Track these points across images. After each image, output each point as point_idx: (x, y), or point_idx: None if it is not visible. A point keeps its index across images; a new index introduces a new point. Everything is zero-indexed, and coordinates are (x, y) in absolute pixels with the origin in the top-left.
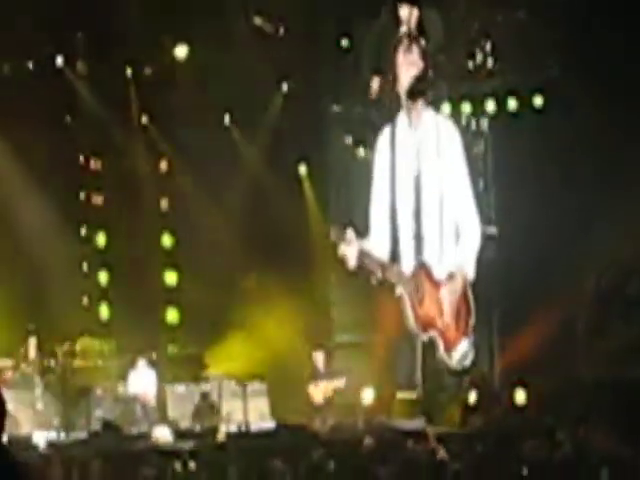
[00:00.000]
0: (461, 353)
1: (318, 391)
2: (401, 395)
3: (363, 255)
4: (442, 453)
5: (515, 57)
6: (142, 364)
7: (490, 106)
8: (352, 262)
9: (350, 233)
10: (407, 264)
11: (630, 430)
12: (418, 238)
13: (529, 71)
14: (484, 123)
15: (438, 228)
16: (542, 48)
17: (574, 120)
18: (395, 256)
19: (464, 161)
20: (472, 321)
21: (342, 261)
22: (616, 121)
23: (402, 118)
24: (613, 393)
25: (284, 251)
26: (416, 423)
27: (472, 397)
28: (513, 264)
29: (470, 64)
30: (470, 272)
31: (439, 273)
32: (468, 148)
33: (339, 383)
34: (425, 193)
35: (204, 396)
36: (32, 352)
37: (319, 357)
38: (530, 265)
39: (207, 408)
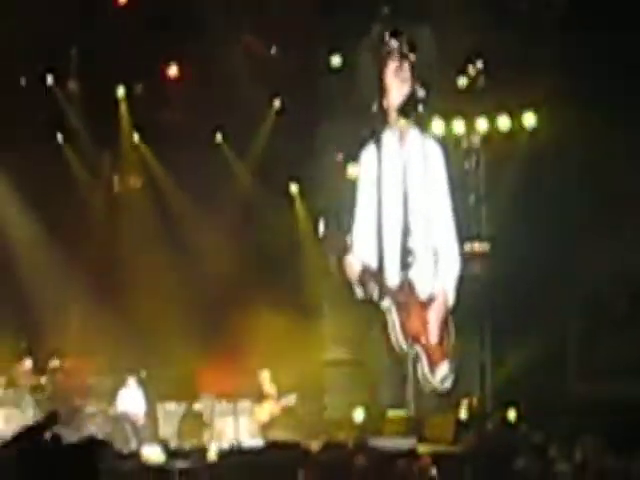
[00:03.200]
0: (442, 374)
1: (263, 411)
2: (392, 413)
3: (365, 267)
4: (433, 472)
5: (507, 75)
6: (132, 382)
7: (482, 124)
8: (357, 272)
9: (353, 244)
10: (391, 279)
11: (622, 445)
12: (404, 255)
13: (521, 90)
14: (476, 139)
15: (423, 247)
16: (534, 67)
17: (566, 138)
18: (380, 271)
19: (447, 187)
20: (452, 345)
21: (343, 271)
22: (608, 140)
23: (390, 135)
24: (605, 410)
25: (275, 269)
26: (407, 442)
27: (464, 414)
28: (504, 281)
29: (462, 82)
30: (450, 296)
31: (422, 292)
32: (459, 164)
33: (288, 401)
34: (412, 211)
35: (189, 411)
36: (26, 372)
37: (265, 376)
38: (521, 282)
39: (193, 423)
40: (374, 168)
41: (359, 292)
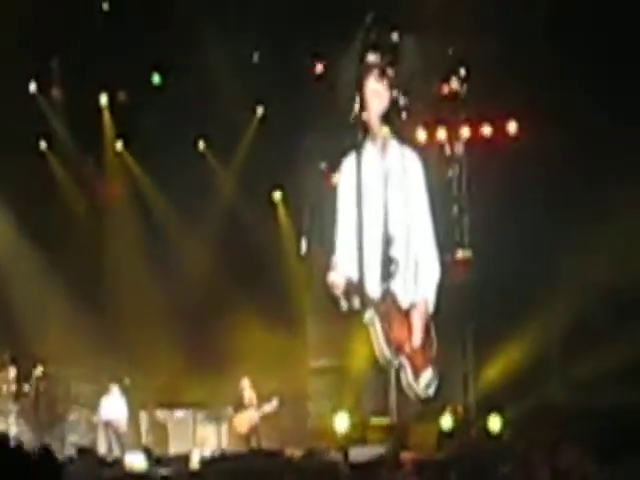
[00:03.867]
0: (426, 381)
1: (242, 421)
2: (375, 421)
3: (348, 281)
4: None
5: (489, 83)
6: (115, 390)
7: (465, 132)
8: (341, 288)
9: (336, 258)
10: (373, 291)
11: (605, 455)
12: (386, 265)
13: (504, 98)
14: (459, 147)
15: (404, 257)
16: (517, 75)
17: (548, 147)
18: (362, 283)
19: (426, 195)
20: (434, 351)
21: (327, 286)
22: (591, 148)
23: (371, 145)
24: (588, 418)
25: (259, 277)
26: (391, 449)
27: (447, 423)
28: (487, 288)
29: (445, 90)
30: (431, 303)
31: (404, 300)
32: (442, 172)
33: (270, 407)
34: (392, 221)
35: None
36: (10, 380)
37: (245, 384)
38: (504, 290)
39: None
40: (354, 178)
41: (344, 305)
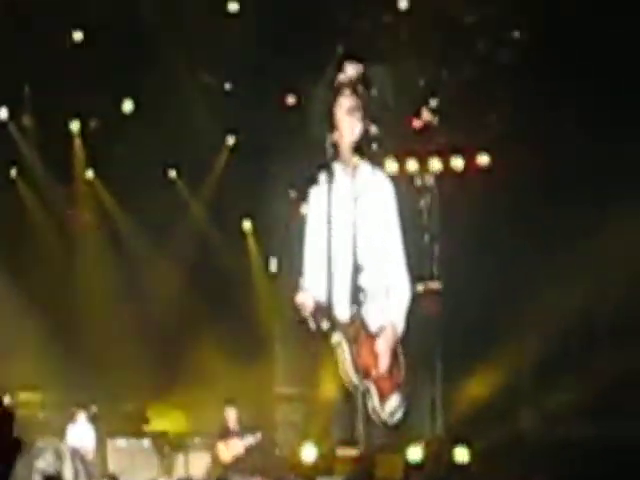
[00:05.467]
0: (392, 407)
1: (227, 449)
2: (341, 452)
3: (316, 302)
4: None
5: (461, 115)
6: (82, 418)
7: (435, 163)
8: (309, 310)
9: (304, 282)
10: (342, 314)
11: None
12: (355, 290)
13: (474, 130)
14: (429, 179)
15: (373, 282)
16: (488, 107)
17: (519, 177)
18: (330, 306)
19: (397, 219)
20: (402, 377)
21: (296, 308)
22: (561, 181)
23: (341, 171)
24: (557, 450)
25: (228, 305)
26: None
27: (414, 454)
28: (457, 319)
29: (416, 121)
30: (400, 328)
31: (372, 325)
32: (413, 203)
33: (252, 439)
34: (362, 247)
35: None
36: None
37: (231, 414)
38: (474, 320)
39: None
40: (324, 203)
41: (312, 325)
